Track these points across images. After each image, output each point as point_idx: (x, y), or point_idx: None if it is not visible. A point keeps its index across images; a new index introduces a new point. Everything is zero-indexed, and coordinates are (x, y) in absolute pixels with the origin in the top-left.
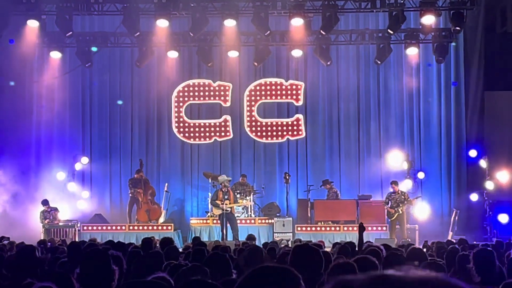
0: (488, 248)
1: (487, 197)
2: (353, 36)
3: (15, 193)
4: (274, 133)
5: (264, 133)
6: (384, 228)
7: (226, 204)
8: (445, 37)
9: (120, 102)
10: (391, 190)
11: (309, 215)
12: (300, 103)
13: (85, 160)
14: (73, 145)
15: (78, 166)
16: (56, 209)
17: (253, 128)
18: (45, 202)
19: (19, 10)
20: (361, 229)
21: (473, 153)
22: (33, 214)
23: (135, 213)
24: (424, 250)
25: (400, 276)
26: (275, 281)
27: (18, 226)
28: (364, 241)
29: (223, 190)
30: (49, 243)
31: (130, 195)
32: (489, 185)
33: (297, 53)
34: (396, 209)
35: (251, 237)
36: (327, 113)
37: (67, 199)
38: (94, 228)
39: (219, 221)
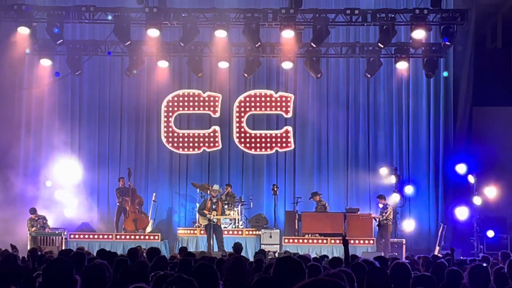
0: (484, 264)
1: (474, 212)
2: (343, 49)
3: (2, 200)
4: (263, 145)
5: (253, 145)
6: (372, 242)
7: (213, 214)
8: (435, 52)
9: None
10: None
11: (296, 227)
12: (290, 115)
13: (73, 168)
14: (61, 153)
15: (66, 174)
16: (44, 218)
17: (242, 140)
18: (33, 211)
19: (9, 17)
20: (345, 242)
21: (461, 168)
22: (20, 221)
23: (122, 222)
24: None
25: None
26: None
27: (4, 234)
28: (350, 253)
29: (212, 200)
30: (39, 252)
31: (118, 204)
32: (477, 201)
33: (287, 65)
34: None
35: (237, 247)
36: (316, 125)
37: (55, 207)
38: (81, 236)
39: (205, 231)
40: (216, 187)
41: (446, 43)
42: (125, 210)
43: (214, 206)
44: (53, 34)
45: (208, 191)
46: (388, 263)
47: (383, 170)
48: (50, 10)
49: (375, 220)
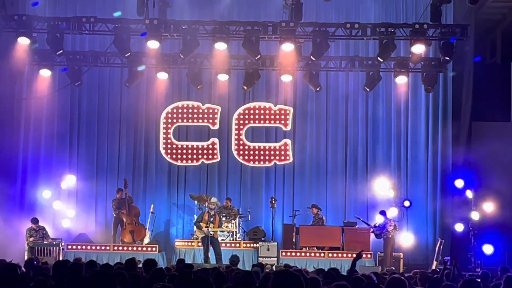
0: (477, 280)
1: (472, 227)
2: (343, 63)
3: (0, 209)
4: (262, 157)
5: (251, 157)
6: (369, 256)
7: (210, 227)
8: (435, 67)
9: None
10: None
11: (294, 240)
12: (288, 128)
13: (71, 178)
14: (60, 164)
15: (64, 185)
16: (44, 228)
17: (241, 152)
18: (34, 221)
19: (10, 27)
20: (358, 257)
21: (459, 183)
22: (18, 231)
23: (119, 234)
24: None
25: None
26: None
27: (2, 244)
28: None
29: (210, 212)
30: (35, 262)
31: (115, 215)
32: (475, 216)
33: (286, 78)
34: None
35: (234, 260)
36: (315, 139)
37: (52, 218)
38: (79, 247)
39: (203, 244)
40: (214, 199)
41: (446, 58)
42: (121, 222)
43: (211, 219)
44: (54, 45)
45: (206, 203)
46: (385, 278)
47: (381, 184)
48: (51, 21)
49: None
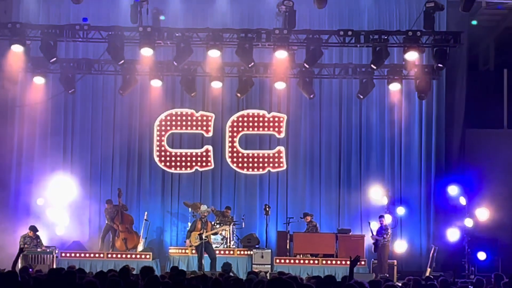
0: (470, 287)
1: (466, 234)
2: (336, 70)
3: None
4: (255, 165)
5: (245, 164)
6: (363, 263)
7: (203, 233)
8: (428, 74)
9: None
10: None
11: (288, 247)
12: (282, 135)
13: (65, 186)
14: (53, 171)
15: (57, 192)
16: (38, 237)
17: (235, 159)
18: (33, 229)
19: (3, 35)
20: (355, 262)
21: (452, 190)
22: (11, 239)
23: (107, 240)
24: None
25: None
26: None
27: None
28: (343, 275)
29: (202, 220)
30: (30, 269)
31: (107, 221)
32: (468, 222)
33: (280, 85)
34: None
35: (226, 268)
36: (309, 146)
37: (46, 225)
38: (72, 255)
39: (197, 251)
40: (203, 207)
41: (439, 65)
42: (114, 230)
43: (205, 226)
44: (48, 53)
45: (199, 211)
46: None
47: (375, 191)
48: (44, 29)
49: (375, 240)
